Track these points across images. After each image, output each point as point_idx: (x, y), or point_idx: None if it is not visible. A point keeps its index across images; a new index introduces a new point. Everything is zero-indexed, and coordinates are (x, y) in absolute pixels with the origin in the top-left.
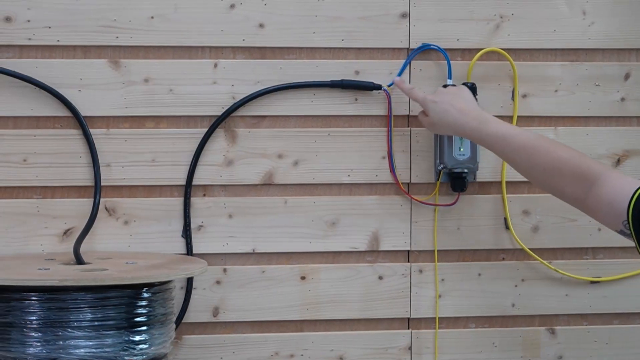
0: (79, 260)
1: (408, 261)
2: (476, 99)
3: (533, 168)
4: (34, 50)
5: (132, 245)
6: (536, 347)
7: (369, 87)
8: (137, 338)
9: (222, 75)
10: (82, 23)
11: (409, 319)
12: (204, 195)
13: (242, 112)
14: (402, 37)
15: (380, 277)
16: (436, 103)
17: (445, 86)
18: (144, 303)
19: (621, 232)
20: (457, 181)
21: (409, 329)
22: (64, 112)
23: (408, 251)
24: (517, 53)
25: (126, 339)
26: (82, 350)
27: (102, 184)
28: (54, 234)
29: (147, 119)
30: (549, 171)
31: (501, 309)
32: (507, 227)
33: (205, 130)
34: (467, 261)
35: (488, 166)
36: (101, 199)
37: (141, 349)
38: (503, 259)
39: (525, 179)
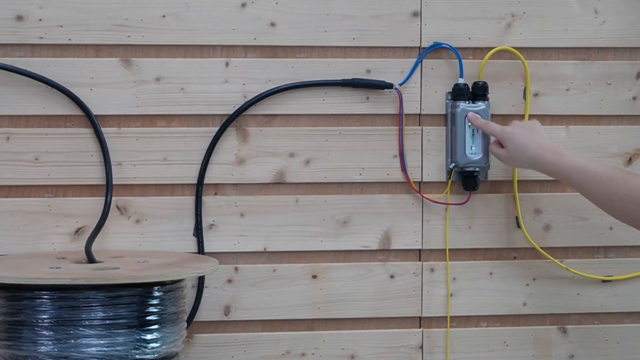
0: (91, 259)
1: (419, 260)
2: (487, 98)
3: (611, 199)
4: (46, 49)
5: (144, 243)
6: (548, 346)
7: (381, 85)
8: (149, 337)
9: (234, 74)
10: (94, 22)
11: (420, 317)
12: (216, 194)
13: (253, 110)
14: (413, 35)
15: (392, 276)
16: (515, 135)
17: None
18: (155, 302)
19: None
20: (469, 180)
21: (420, 327)
22: (75, 110)
23: (419, 250)
24: (529, 52)
25: (137, 337)
26: (93, 348)
27: (114, 182)
28: (66, 232)
29: (159, 117)
30: (626, 201)
31: (513, 307)
32: (518, 226)
33: (216, 129)
34: (478, 260)
35: (499, 165)
36: (113, 198)
37: (152, 348)
38: (514, 257)
39: (536, 179)
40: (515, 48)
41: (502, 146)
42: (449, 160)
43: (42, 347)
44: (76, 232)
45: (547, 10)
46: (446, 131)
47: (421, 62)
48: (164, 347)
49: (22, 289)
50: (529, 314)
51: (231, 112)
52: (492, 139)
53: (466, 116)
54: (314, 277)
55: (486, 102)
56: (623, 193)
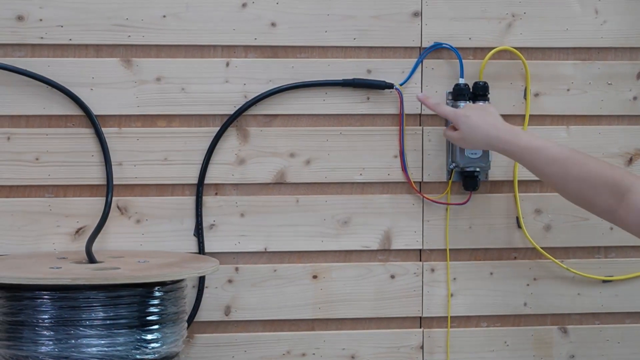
0: (91, 259)
1: (420, 260)
2: (488, 98)
3: (565, 179)
4: (46, 49)
5: (144, 244)
6: (548, 346)
7: (381, 85)
8: (149, 337)
9: (234, 74)
10: (94, 22)
11: (420, 317)
12: (216, 194)
13: (254, 111)
14: (414, 35)
15: (392, 276)
16: (468, 117)
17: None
18: (155, 302)
19: None
20: (469, 180)
21: (420, 327)
22: (76, 110)
23: (420, 250)
24: (529, 52)
25: (138, 337)
26: (94, 349)
27: (114, 182)
28: (66, 232)
29: (159, 117)
30: (581, 182)
31: (513, 308)
32: (519, 226)
33: (217, 129)
34: (479, 260)
35: (500, 165)
36: (113, 198)
37: (153, 348)
38: (515, 257)
39: (536, 179)
40: (515, 48)
41: (455, 129)
42: (450, 160)
43: (43, 347)
44: (77, 232)
45: (547, 10)
46: None
47: (422, 62)
48: (164, 347)
49: (23, 289)
50: (530, 314)
51: (232, 112)
52: (448, 124)
53: (417, 97)
54: (315, 277)
55: (487, 102)
56: (576, 173)
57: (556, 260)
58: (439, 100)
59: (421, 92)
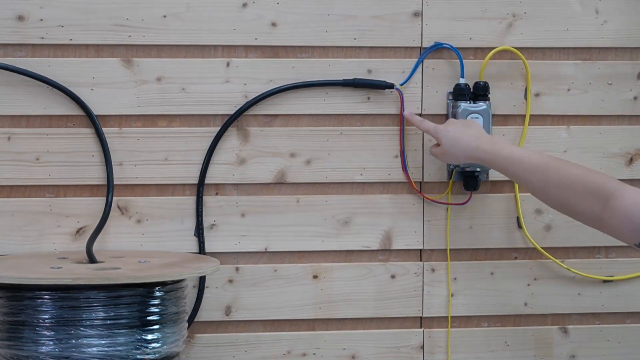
0: (92, 259)
1: (420, 260)
2: (488, 98)
3: (547, 186)
4: (47, 49)
5: (145, 243)
6: (549, 346)
7: (382, 85)
8: (150, 337)
9: (235, 74)
10: (95, 22)
11: (421, 317)
12: (217, 194)
13: (254, 110)
14: (414, 35)
15: (393, 276)
16: (448, 131)
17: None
18: (156, 302)
19: (638, 246)
20: (470, 180)
21: (421, 327)
22: (76, 110)
23: (420, 250)
24: (530, 52)
25: (139, 337)
26: (94, 348)
27: (115, 182)
28: (67, 232)
29: (160, 117)
30: (563, 188)
31: (513, 307)
32: (519, 226)
33: (217, 129)
34: (479, 260)
35: None
36: (114, 198)
37: (153, 348)
38: (515, 257)
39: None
40: (516, 48)
41: (439, 145)
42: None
43: (43, 347)
44: (77, 232)
45: (548, 10)
46: None
47: (422, 62)
48: (165, 347)
49: (23, 289)
50: (530, 314)
51: (232, 112)
52: (432, 141)
53: (404, 115)
54: (315, 277)
55: (487, 102)
56: (557, 180)
57: (557, 260)
58: (424, 118)
59: (421, 91)
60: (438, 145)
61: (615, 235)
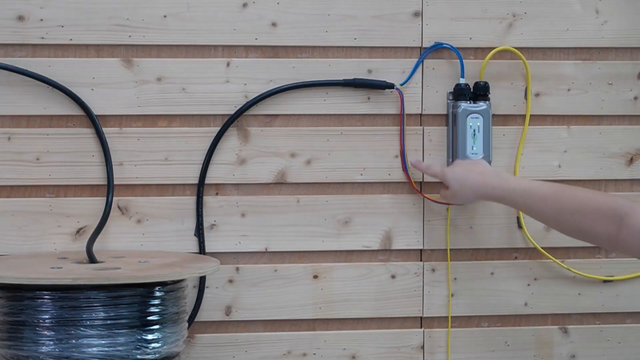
0: (92, 259)
1: (421, 260)
2: (489, 98)
3: (560, 214)
4: (47, 49)
5: (145, 244)
6: (549, 346)
7: (382, 85)
8: (150, 337)
9: (235, 74)
10: (95, 22)
11: (421, 317)
12: (217, 194)
13: (254, 110)
14: (415, 35)
15: (393, 276)
16: (454, 172)
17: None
18: (156, 302)
19: None
20: None
21: (421, 327)
22: (76, 111)
23: (421, 250)
24: (530, 52)
25: (139, 337)
26: (94, 348)
27: (115, 182)
28: (67, 232)
29: (160, 117)
30: (576, 214)
31: (514, 308)
32: (519, 226)
33: (217, 129)
34: (479, 260)
35: (501, 165)
36: (114, 198)
37: (154, 348)
38: (516, 257)
39: (538, 178)
40: (516, 48)
41: (447, 188)
42: (450, 160)
43: (44, 347)
44: (77, 232)
45: (548, 10)
46: (447, 131)
47: (422, 62)
48: (165, 347)
49: (24, 289)
50: (530, 314)
51: (232, 112)
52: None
53: (410, 163)
54: (315, 277)
55: (487, 102)
56: (570, 206)
57: (557, 260)
58: (431, 163)
59: (421, 91)
60: (447, 188)
61: (632, 253)
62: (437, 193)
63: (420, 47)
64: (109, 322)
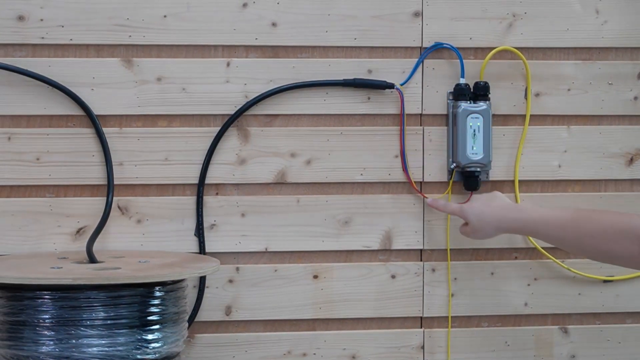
0: (92, 259)
1: (421, 260)
2: (489, 98)
3: (581, 239)
4: (47, 49)
5: (145, 244)
6: (549, 346)
7: (382, 85)
8: (150, 337)
9: (235, 74)
10: (95, 22)
11: (421, 317)
12: (217, 194)
13: (254, 110)
14: (415, 35)
15: (393, 276)
16: (473, 207)
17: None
18: (156, 302)
19: None
20: (470, 180)
21: (421, 327)
22: (76, 110)
23: (421, 250)
24: (530, 52)
25: (139, 337)
26: (94, 348)
27: (115, 182)
28: (67, 232)
29: (160, 117)
30: (597, 237)
31: (514, 307)
32: None
33: (217, 129)
34: (479, 260)
35: (501, 165)
36: (114, 198)
37: (154, 348)
38: (516, 257)
39: (537, 178)
40: (516, 48)
41: (467, 224)
42: (451, 160)
43: (44, 347)
44: (77, 232)
45: (548, 10)
46: (447, 131)
47: (422, 62)
48: (165, 347)
49: (24, 289)
50: (530, 314)
51: (232, 112)
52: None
53: (427, 203)
54: (315, 277)
55: (487, 102)
56: (589, 230)
57: (557, 260)
58: (446, 202)
59: (421, 91)
60: (466, 224)
61: None
62: (438, 193)
63: (421, 47)
64: (109, 322)
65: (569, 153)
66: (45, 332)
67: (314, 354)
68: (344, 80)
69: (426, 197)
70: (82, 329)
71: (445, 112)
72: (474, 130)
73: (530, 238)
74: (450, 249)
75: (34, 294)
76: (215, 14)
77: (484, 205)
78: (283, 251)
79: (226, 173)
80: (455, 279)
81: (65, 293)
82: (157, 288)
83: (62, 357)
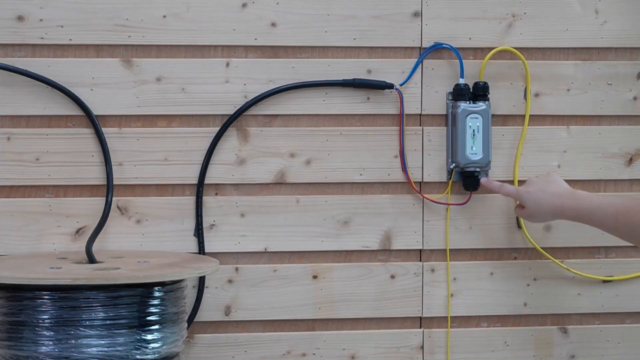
0: (91, 259)
1: (420, 260)
2: (488, 98)
3: (633, 229)
4: (47, 49)
5: (144, 244)
6: (548, 347)
7: (381, 86)
8: (149, 337)
9: (234, 74)
10: (95, 22)
11: (421, 318)
12: (216, 194)
13: (254, 111)
14: (414, 36)
15: (393, 276)
16: (530, 192)
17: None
18: (156, 302)
19: None
20: (469, 180)
21: (421, 328)
22: (76, 111)
23: (420, 250)
24: (530, 52)
25: (138, 337)
26: (94, 349)
27: (115, 183)
28: (67, 232)
29: (159, 117)
30: None
31: (513, 308)
32: (519, 226)
33: (217, 129)
34: (479, 260)
35: (500, 165)
36: (113, 198)
37: (153, 348)
38: (515, 258)
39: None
40: (516, 48)
41: (523, 206)
42: (450, 160)
43: (43, 348)
44: (77, 232)
45: (547, 11)
46: (447, 131)
47: (422, 62)
48: (164, 347)
49: (23, 289)
50: (530, 314)
51: (232, 113)
52: (516, 202)
53: (481, 182)
54: (315, 277)
55: (487, 102)
56: None
57: (556, 261)
58: (503, 183)
59: (421, 91)
60: (522, 207)
61: None
62: (437, 193)
63: (420, 47)
64: (108, 322)
65: (568, 153)
66: (45, 332)
67: (314, 354)
68: (343, 80)
69: (426, 197)
70: (81, 329)
71: (444, 112)
72: (474, 131)
73: (530, 238)
74: (450, 249)
75: (33, 294)
76: (214, 14)
77: (541, 191)
78: (282, 251)
79: (225, 173)
80: (454, 279)
81: (65, 293)
82: (156, 288)
83: (61, 357)
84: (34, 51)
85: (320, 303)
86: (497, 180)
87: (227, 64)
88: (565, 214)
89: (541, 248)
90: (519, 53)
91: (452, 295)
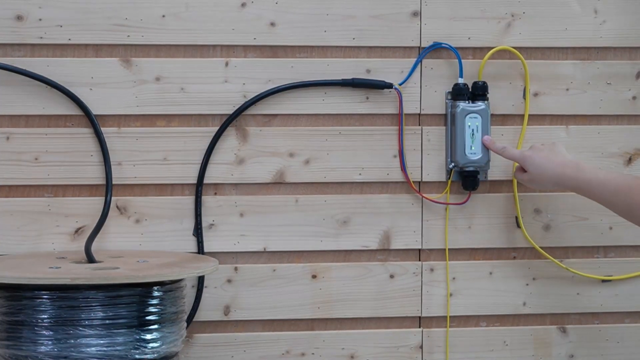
0: (90, 259)
1: (419, 260)
2: (487, 98)
3: (631, 208)
4: (46, 49)
5: (144, 243)
6: (547, 346)
7: (380, 85)
8: (148, 336)
9: (234, 73)
10: (94, 22)
11: (420, 317)
12: (215, 193)
13: (253, 110)
14: (413, 35)
15: (392, 276)
16: (534, 158)
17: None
18: (155, 301)
19: None
20: (469, 180)
21: (420, 327)
22: (75, 110)
23: (419, 250)
24: (529, 51)
25: (137, 337)
26: (93, 348)
27: (114, 182)
28: (66, 232)
29: (159, 117)
30: None
31: (512, 307)
32: (518, 226)
33: (216, 128)
34: (478, 260)
35: (499, 165)
36: (112, 198)
37: (152, 348)
38: (514, 257)
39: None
40: (515, 48)
41: (524, 170)
42: (449, 160)
43: (42, 347)
44: (76, 232)
45: (547, 10)
46: (446, 131)
47: (421, 61)
48: (163, 347)
49: (22, 288)
50: (529, 314)
51: (231, 112)
52: (516, 165)
53: (483, 140)
54: (314, 276)
55: (486, 102)
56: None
57: (555, 260)
58: (506, 145)
59: (420, 91)
60: (523, 171)
61: None
62: (437, 193)
63: (419, 47)
64: (107, 321)
65: (567, 153)
66: (44, 332)
67: (313, 353)
68: (342, 80)
69: (425, 197)
70: (80, 328)
71: (443, 112)
72: (473, 130)
73: (529, 238)
74: (449, 249)
75: (32, 293)
76: (213, 13)
77: (546, 159)
78: (282, 251)
79: (225, 173)
80: (453, 278)
81: (64, 293)
82: (155, 288)
83: (60, 357)
84: (33, 51)
85: (319, 303)
86: (496, 178)
87: (226, 64)
88: (565, 184)
89: (540, 248)
90: (518, 53)
91: (451, 294)
